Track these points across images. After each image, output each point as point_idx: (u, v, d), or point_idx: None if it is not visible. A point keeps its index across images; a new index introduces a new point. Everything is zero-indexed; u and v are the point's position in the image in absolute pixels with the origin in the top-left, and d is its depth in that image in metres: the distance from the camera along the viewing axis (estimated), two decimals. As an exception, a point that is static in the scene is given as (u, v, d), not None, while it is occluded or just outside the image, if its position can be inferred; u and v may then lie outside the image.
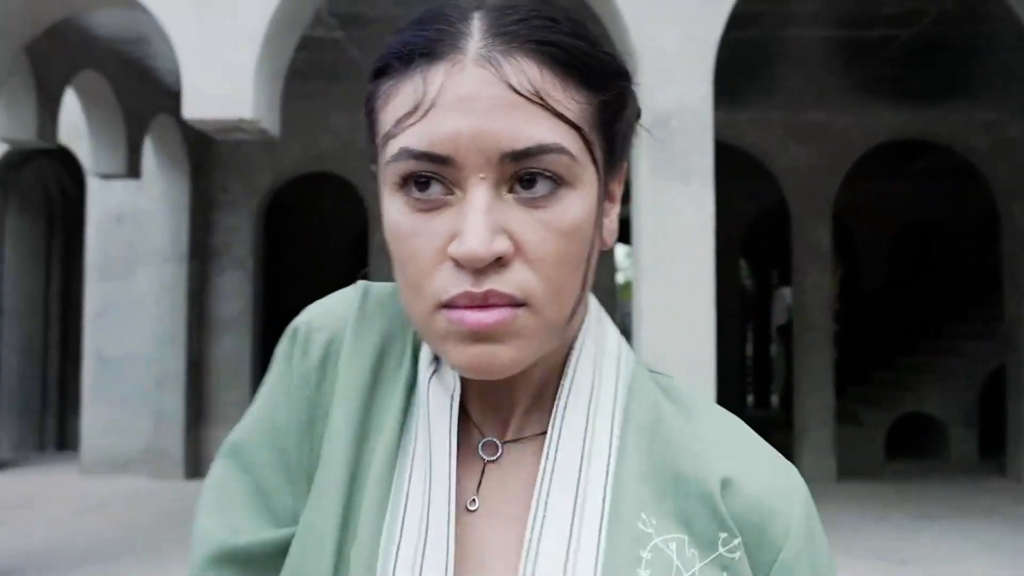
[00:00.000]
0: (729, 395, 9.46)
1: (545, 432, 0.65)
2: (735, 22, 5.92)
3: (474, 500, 0.66)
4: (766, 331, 17.16)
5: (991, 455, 9.51)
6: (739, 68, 7.26)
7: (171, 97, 8.08)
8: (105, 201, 8.59)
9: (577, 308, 0.64)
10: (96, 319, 8.65)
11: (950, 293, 13.11)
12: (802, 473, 0.69)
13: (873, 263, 13.03)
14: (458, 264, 0.58)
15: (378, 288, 0.75)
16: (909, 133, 8.84)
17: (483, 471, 0.66)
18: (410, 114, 0.60)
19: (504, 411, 0.67)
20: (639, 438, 0.66)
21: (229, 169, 8.83)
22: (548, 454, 0.64)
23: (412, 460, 0.66)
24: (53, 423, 10.19)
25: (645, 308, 4.24)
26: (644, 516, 0.64)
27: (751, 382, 17.43)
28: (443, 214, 0.60)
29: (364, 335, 0.70)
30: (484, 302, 0.58)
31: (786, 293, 14.82)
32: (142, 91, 7.61)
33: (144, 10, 4.42)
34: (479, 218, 0.58)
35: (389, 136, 0.61)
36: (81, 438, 8.70)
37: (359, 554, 0.64)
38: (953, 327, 11.02)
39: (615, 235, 0.69)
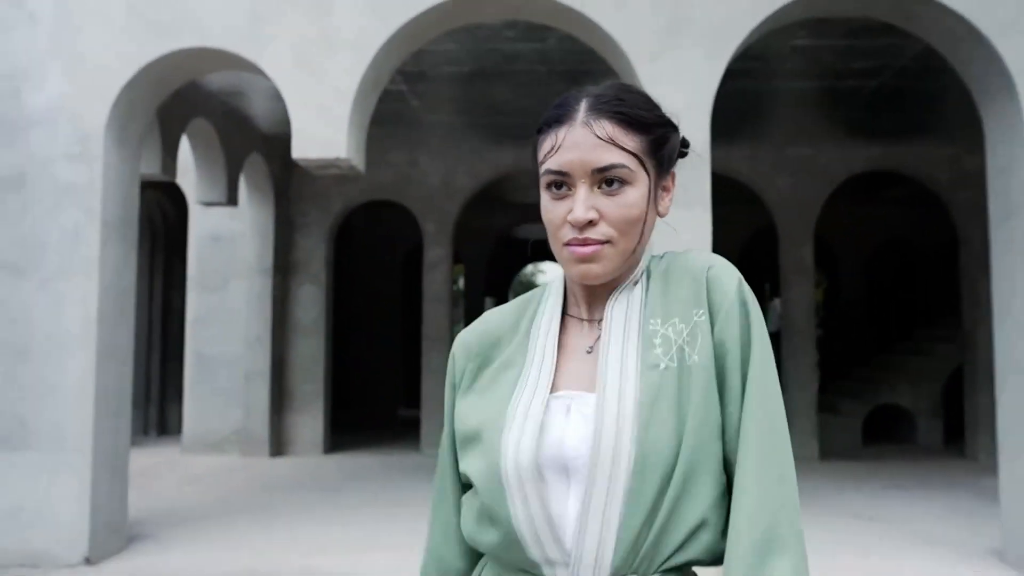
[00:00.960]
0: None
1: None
2: (730, 75, 6.27)
3: (590, 348, 1.06)
4: (760, 338, 17.35)
5: (954, 442, 9.71)
6: (734, 112, 7.58)
7: (261, 139, 8.63)
8: (204, 224, 8.94)
9: (638, 245, 1.04)
10: (195, 324, 8.98)
11: (918, 302, 13.28)
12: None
13: (852, 277, 13.08)
14: (572, 224, 1.01)
15: (492, 313, 1.17)
16: (881, 166, 8.96)
17: (598, 337, 1.07)
18: (550, 151, 1.02)
19: (597, 306, 1.09)
20: (655, 283, 1.06)
21: (307, 198, 9.22)
22: (608, 316, 1.05)
23: (536, 340, 1.08)
24: (155, 412, 10.59)
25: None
26: (652, 321, 1.03)
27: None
28: (566, 201, 1.01)
29: (481, 348, 1.13)
30: (584, 243, 1.00)
31: (778, 304, 15.05)
32: (239, 135, 8.04)
33: (262, 73, 4.96)
34: (580, 202, 1.00)
35: (541, 162, 1.04)
36: (183, 423, 9.02)
37: (495, 396, 1.06)
38: (921, 331, 11.12)
39: (668, 210, 1.08)
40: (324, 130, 4.81)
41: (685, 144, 1.11)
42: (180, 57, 5.00)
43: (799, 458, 8.33)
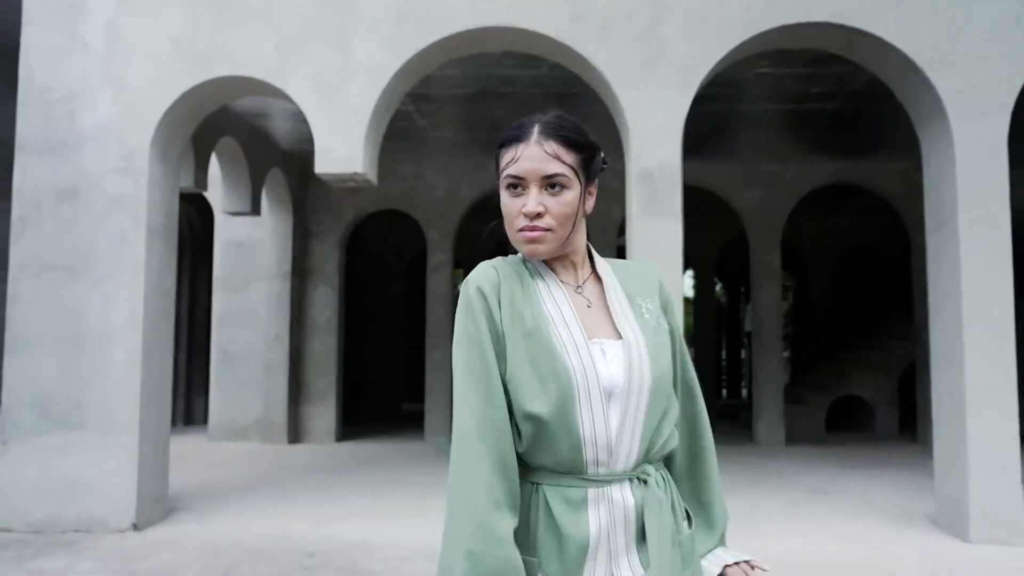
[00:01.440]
0: (706, 390, 9.69)
1: (587, 280, 1.34)
2: (704, 99, 6.61)
3: (589, 303, 1.31)
4: (736, 337, 17.63)
5: (908, 429, 10.05)
6: (708, 132, 7.94)
7: (281, 155, 8.93)
8: (228, 232, 9.20)
9: (571, 233, 1.28)
10: (220, 322, 9.23)
11: (879, 303, 13.60)
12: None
13: (819, 280, 13.32)
14: (524, 215, 1.24)
15: (496, 260, 1.33)
16: (842, 179, 9.22)
17: (588, 300, 1.32)
18: (511, 161, 1.26)
19: (570, 272, 1.34)
20: (617, 271, 1.37)
21: (322, 208, 9.50)
22: (608, 285, 1.33)
23: (546, 300, 1.29)
24: (182, 404, 10.82)
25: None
26: (634, 297, 1.34)
27: (725, 379, 17.88)
28: (521, 198, 1.25)
29: (505, 280, 1.30)
30: (533, 229, 1.24)
31: (751, 308, 15.34)
32: (262, 151, 8.33)
33: (288, 99, 5.30)
34: (532, 198, 1.24)
35: (503, 169, 1.27)
36: (209, 413, 9.27)
37: (545, 337, 1.23)
38: (880, 329, 11.38)
39: (592, 208, 1.31)
40: (343, 148, 5.14)
41: (605, 162, 1.36)
42: (215, 84, 5.31)
43: (768, 444, 8.74)
